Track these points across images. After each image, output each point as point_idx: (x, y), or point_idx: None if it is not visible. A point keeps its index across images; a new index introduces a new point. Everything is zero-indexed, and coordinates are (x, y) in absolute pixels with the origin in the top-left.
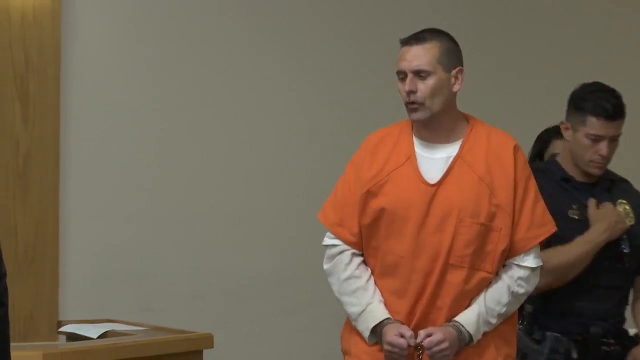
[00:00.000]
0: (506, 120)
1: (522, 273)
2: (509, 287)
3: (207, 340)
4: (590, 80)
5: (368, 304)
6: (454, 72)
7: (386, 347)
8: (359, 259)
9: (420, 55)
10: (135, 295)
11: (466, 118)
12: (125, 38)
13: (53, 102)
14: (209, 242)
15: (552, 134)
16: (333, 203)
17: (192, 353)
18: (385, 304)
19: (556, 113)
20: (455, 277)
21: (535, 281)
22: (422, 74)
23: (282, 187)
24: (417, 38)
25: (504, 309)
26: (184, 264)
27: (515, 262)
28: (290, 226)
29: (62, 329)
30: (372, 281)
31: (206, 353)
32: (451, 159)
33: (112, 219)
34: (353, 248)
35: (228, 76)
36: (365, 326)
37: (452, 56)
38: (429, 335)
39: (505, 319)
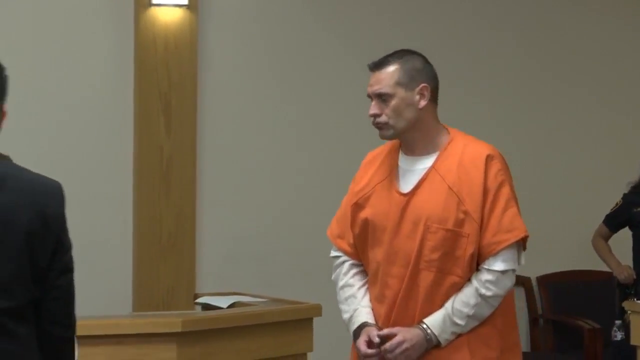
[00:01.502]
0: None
1: (490, 276)
2: (476, 290)
3: (317, 310)
4: None
5: (354, 310)
6: (417, 89)
7: (357, 350)
8: (356, 269)
9: (380, 80)
10: (257, 272)
11: (448, 131)
12: (249, 60)
13: (191, 115)
14: (317, 229)
15: None
16: (337, 217)
17: (304, 320)
18: (372, 310)
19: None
20: (425, 281)
21: (505, 284)
22: (384, 97)
23: None
24: (379, 63)
25: (472, 311)
26: (297, 247)
27: (485, 266)
28: None
29: (198, 300)
30: (363, 289)
31: (316, 320)
32: (426, 170)
33: (239, 211)
34: (352, 258)
35: (336, 97)
36: (352, 330)
37: (415, 75)
38: (391, 336)
39: (485, 321)
